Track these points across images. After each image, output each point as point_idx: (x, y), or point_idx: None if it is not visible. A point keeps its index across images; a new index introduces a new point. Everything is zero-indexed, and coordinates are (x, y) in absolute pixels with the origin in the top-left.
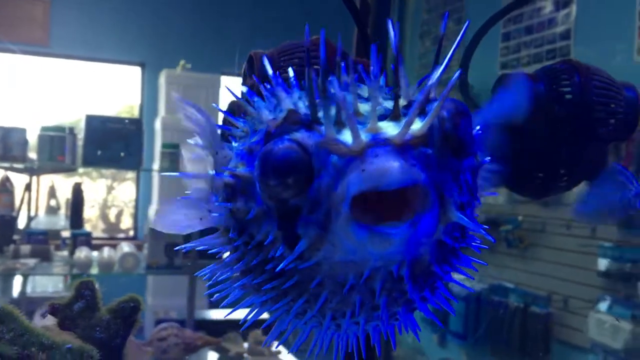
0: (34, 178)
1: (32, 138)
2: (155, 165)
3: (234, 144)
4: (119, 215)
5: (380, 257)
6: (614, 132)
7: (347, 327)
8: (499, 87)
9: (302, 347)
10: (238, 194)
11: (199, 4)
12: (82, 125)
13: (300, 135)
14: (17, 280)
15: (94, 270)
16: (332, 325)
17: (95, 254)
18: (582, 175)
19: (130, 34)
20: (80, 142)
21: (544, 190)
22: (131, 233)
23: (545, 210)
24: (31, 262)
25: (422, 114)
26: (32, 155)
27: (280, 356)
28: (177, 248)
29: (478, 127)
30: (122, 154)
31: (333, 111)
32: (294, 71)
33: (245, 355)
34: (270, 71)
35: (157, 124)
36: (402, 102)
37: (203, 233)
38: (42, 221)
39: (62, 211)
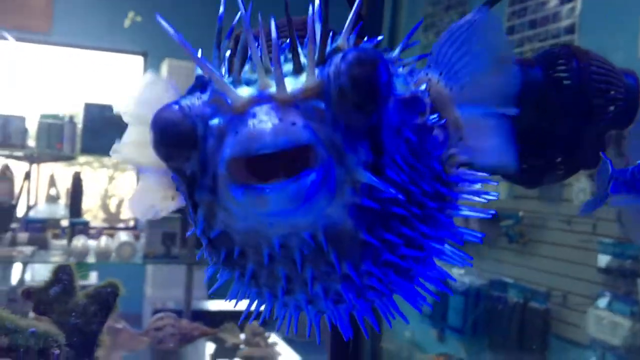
0: (34, 167)
1: (32, 126)
2: None
3: None
4: (119, 205)
5: (277, 222)
6: (613, 119)
7: (291, 304)
8: None
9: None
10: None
11: None
12: (82, 114)
13: (190, 98)
14: (17, 269)
15: (91, 259)
16: (276, 302)
17: (93, 242)
18: (579, 163)
19: (133, 23)
20: (79, 131)
21: (539, 179)
22: (131, 223)
23: (546, 205)
24: (28, 250)
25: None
26: (32, 143)
27: (276, 348)
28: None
29: (422, 85)
30: None
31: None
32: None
33: (242, 346)
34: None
35: None
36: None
37: None
38: (42, 210)
39: (62, 200)
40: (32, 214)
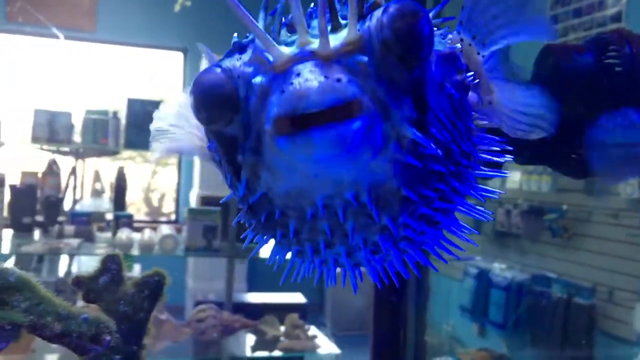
0: (80, 162)
1: (78, 122)
2: None
3: None
4: (161, 199)
5: (319, 172)
6: None
7: (330, 259)
8: (541, 59)
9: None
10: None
11: None
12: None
13: (230, 60)
14: (64, 260)
15: (135, 251)
16: (316, 257)
17: (136, 235)
18: None
19: (173, 20)
20: (123, 126)
21: (588, 170)
22: (173, 217)
23: (591, 199)
24: (75, 242)
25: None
26: (77, 138)
27: (316, 340)
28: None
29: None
30: None
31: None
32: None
33: (282, 338)
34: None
35: None
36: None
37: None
38: (87, 203)
39: (107, 194)
40: (77, 207)
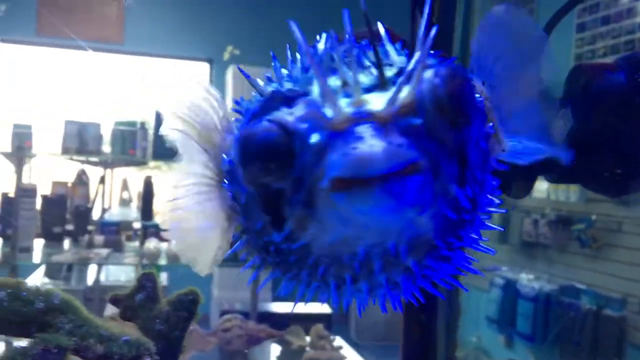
0: (108, 171)
1: (107, 133)
2: None
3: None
4: None
5: (370, 225)
6: None
7: (349, 291)
8: (572, 79)
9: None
10: (232, 178)
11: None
12: (153, 120)
13: (280, 114)
14: (92, 269)
15: (162, 261)
16: (339, 292)
17: (164, 245)
18: None
19: (199, 31)
20: (150, 137)
21: (623, 188)
22: None
23: (621, 209)
24: (104, 252)
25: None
26: (106, 149)
27: (342, 351)
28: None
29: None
30: None
31: (322, 84)
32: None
33: (307, 348)
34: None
35: None
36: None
37: None
38: (115, 213)
39: (134, 203)
40: (106, 216)
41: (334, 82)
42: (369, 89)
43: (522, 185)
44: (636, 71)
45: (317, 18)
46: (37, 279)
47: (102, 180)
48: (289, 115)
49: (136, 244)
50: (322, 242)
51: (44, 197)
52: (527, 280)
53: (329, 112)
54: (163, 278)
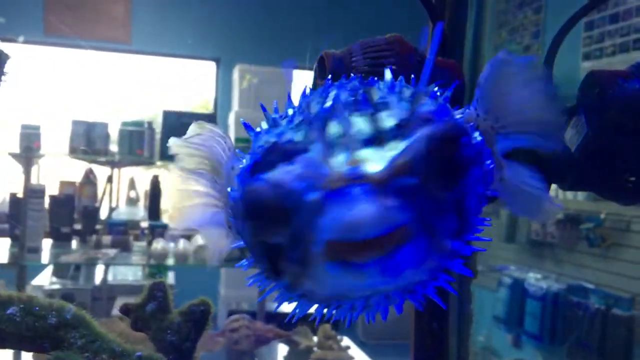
0: (115, 170)
1: (114, 132)
2: None
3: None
4: None
5: (362, 287)
6: None
7: (347, 306)
8: (585, 87)
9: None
10: (236, 215)
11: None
12: (160, 120)
13: (278, 173)
14: (99, 268)
15: (170, 261)
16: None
17: (171, 245)
18: None
19: (206, 30)
20: (158, 137)
21: (636, 196)
22: None
23: (630, 208)
24: (112, 252)
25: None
26: (114, 148)
27: (349, 351)
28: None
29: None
30: None
31: (320, 136)
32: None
33: (315, 349)
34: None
35: (231, 119)
36: (397, 118)
37: None
38: (123, 212)
39: (141, 202)
40: (114, 216)
41: (334, 129)
42: (367, 141)
43: None
44: None
45: (320, 18)
46: (45, 279)
47: (110, 180)
48: (286, 175)
49: (144, 243)
50: (318, 296)
51: (52, 197)
52: (535, 279)
53: (325, 171)
54: (170, 276)
